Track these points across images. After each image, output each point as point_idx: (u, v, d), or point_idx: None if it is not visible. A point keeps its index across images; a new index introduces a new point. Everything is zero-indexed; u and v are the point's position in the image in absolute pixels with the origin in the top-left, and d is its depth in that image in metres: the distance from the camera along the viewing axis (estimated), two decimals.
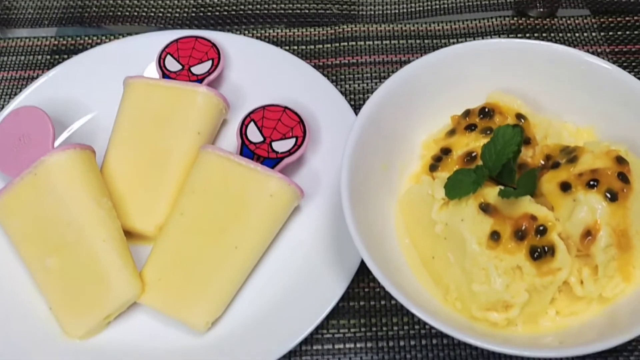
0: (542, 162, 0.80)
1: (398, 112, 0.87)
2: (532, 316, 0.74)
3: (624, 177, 0.74)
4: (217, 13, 1.15)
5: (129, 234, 0.84)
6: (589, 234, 0.72)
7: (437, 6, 1.12)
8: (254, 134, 0.90)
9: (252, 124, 0.99)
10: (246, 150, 0.97)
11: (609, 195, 0.72)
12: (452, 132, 0.85)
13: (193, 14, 1.14)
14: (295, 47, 1.10)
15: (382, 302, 0.84)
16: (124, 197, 0.85)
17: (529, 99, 0.87)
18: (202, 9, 1.16)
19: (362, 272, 0.84)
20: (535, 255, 0.71)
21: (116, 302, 0.76)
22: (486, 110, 0.84)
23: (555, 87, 0.88)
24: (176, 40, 1.01)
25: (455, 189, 0.76)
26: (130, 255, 0.80)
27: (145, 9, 1.13)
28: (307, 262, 0.83)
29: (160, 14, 1.14)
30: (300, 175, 0.93)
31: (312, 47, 1.11)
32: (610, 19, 1.08)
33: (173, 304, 0.78)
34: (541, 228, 0.72)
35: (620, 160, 0.75)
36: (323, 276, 0.80)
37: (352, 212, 0.75)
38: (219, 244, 0.80)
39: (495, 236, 0.72)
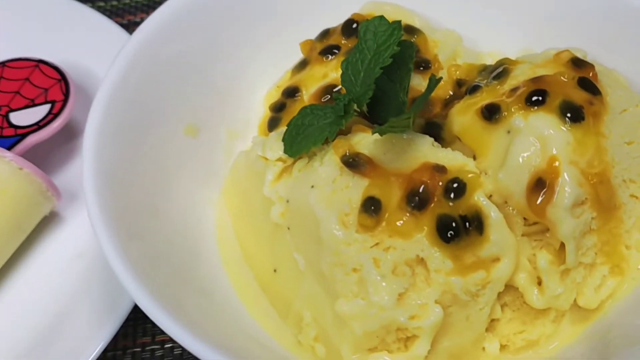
0: (452, 93, 0.59)
1: (213, 45, 0.65)
2: (456, 357, 0.51)
3: (588, 85, 0.52)
4: None
5: None
6: (540, 184, 0.49)
7: None
8: None
9: None
10: None
11: (568, 113, 0.50)
12: (302, 65, 0.64)
13: None
14: (91, 5, 0.86)
15: None
16: None
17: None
18: None
19: None
20: (448, 235, 0.48)
21: None
22: (354, 25, 0.62)
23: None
24: None
25: (300, 138, 0.54)
26: None
27: None
28: (58, 302, 0.62)
29: None
30: (67, 171, 0.71)
31: (116, 2, 0.90)
32: None
33: None
34: (455, 185, 0.49)
35: (578, 63, 0.54)
36: (82, 322, 0.60)
37: (105, 208, 0.50)
38: None
39: (372, 207, 0.49)
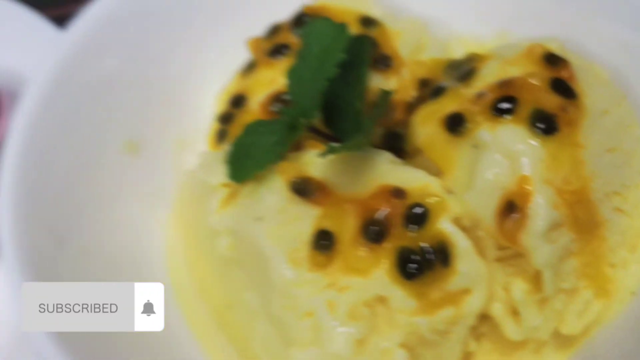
0: (415, 95, 0.56)
1: (145, 49, 0.62)
2: None
3: (563, 88, 0.49)
4: None
5: None
6: (511, 208, 0.46)
7: None
8: None
9: None
10: None
11: (540, 124, 0.47)
12: (250, 67, 0.60)
13: None
14: None
15: None
16: None
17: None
18: None
19: None
20: (411, 270, 0.46)
21: None
22: (305, 19, 0.59)
23: None
24: None
25: (245, 161, 0.51)
26: None
27: None
28: None
29: None
30: None
31: None
32: None
33: None
34: (417, 212, 0.47)
35: (552, 60, 0.51)
36: None
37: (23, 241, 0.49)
38: None
39: (324, 241, 0.46)
